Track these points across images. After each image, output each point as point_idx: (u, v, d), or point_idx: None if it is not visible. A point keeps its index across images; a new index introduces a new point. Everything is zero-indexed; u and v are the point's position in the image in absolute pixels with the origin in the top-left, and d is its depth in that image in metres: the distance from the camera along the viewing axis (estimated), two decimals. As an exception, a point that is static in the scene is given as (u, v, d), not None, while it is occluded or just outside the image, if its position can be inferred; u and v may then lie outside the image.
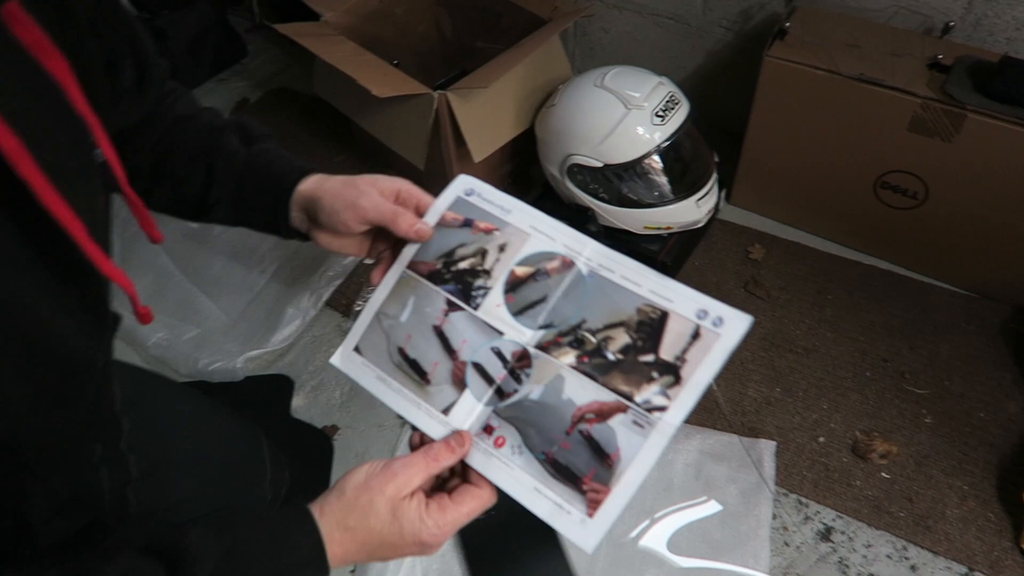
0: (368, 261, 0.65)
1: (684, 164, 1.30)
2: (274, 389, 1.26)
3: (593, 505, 0.50)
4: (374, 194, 0.58)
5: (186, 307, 1.34)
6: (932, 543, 1.07)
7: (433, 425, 0.56)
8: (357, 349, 0.60)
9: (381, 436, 1.23)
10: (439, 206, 0.61)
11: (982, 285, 1.33)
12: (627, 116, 1.23)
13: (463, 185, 0.62)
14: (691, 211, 1.31)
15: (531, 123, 1.40)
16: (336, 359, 0.60)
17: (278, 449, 1.00)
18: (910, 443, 1.17)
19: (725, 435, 1.19)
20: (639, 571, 1.05)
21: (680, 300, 0.53)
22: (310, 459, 1.16)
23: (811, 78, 1.20)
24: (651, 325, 0.53)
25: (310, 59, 1.34)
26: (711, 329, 0.52)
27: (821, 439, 1.19)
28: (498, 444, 0.53)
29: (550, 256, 0.57)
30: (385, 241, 0.62)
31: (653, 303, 0.54)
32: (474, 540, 1.05)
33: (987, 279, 1.32)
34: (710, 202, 1.33)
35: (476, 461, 0.54)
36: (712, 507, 1.10)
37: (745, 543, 1.07)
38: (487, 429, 0.54)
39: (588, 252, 0.57)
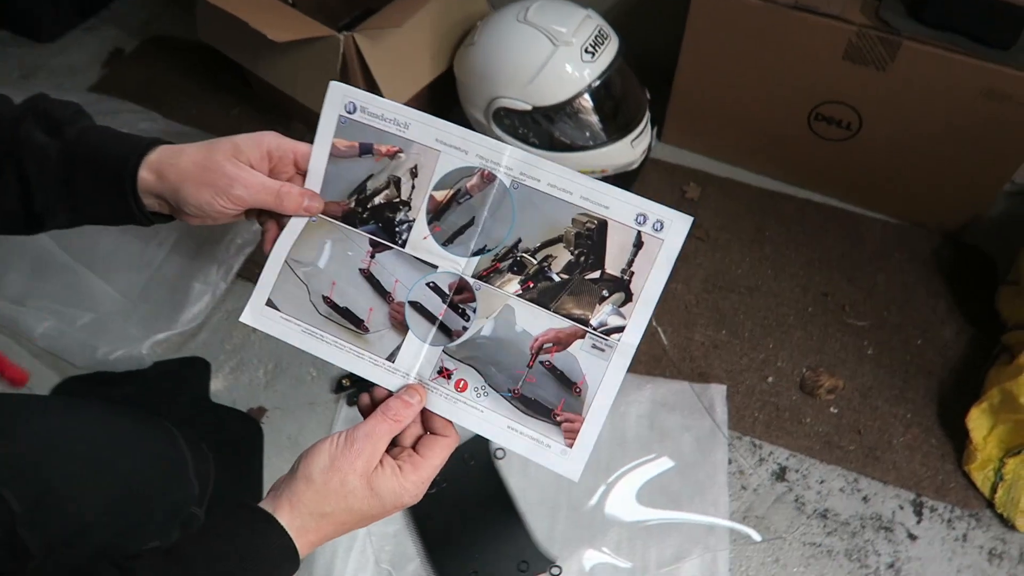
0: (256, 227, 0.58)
1: (616, 103, 1.25)
2: (188, 374, 1.16)
3: (570, 435, 0.51)
4: (246, 176, 0.52)
5: (76, 291, 1.21)
6: (882, 473, 1.09)
7: (380, 373, 0.54)
8: (271, 303, 0.56)
9: (314, 414, 1.16)
10: (320, 144, 0.56)
11: (913, 214, 1.36)
12: (555, 54, 1.16)
13: (340, 98, 0.55)
14: (626, 152, 1.27)
15: (449, 64, 1.32)
16: (247, 317, 0.56)
17: (198, 439, 0.93)
18: (855, 376, 1.18)
19: (675, 382, 1.17)
20: (601, 531, 1.03)
21: (616, 206, 0.51)
22: (238, 446, 1.08)
23: (744, 7, 1.17)
24: (590, 237, 0.52)
25: (190, 0, 1.20)
26: (653, 235, 0.51)
27: (770, 379, 1.19)
28: (460, 388, 0.53)
29: (467, 172, 0.54)
30: (263, 213, 0.58)
31: (589, 211, 0.52)
32: (428, 516, 1.00)
33: (917, 208, 1.34)
34: (644, 142, 1.29)
35: (441, 408, 0.53)
36: (665, 463, 1.09)
37: (704, 491, 1.07)
38: (443, 373, 0.53)
39: (507, 161, 0.53)
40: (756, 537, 1.04)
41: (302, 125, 1.45)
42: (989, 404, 1.06)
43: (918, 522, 1.07)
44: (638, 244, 0.51)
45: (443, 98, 1.37)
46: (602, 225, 0.52)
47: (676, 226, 0.50)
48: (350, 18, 1.41)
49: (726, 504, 1.06)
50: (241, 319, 0.56)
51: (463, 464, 1.05)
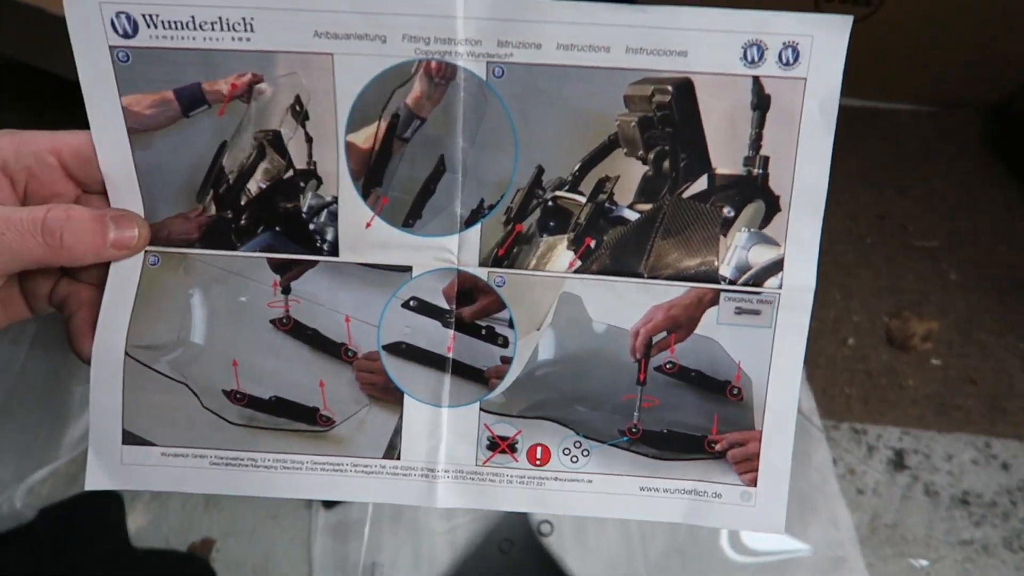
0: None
1: None
2: (93, 518, 0.96)
3: (746, 466, 0.40)
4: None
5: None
6: (1014, 427, 0.96)
7: (384, 487, 0.41)
8: (133, 438, 0.42)
9: (281, 530, 0.96)
10: (101, 119, 0.39)
11: (949, 95, 1.26)
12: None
13: (95, 14, 0.37)
14: None
15: None
16: (95, 477, 0.42)
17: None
18: (946, 312, 1.06)
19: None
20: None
21: (701, 42, 0.36)
22: None
23: None
24: (667, 120, 0.37)
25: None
26: (784, 75, 0.36)
27: (850, 341, 1.05)
28: (539, 460, 0.41)
29: (397, 77, 0.37)
30: (46, 275, 0.42)
31: (651, 71, 0.36)
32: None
33: (954, 87, 1.24)
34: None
35: (522, 502, 0.41)
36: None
37: (815, 508, 0.92)
38: (498, 447, 0.41)
39: (465, 28, 0.36)
40: (919, 564, 0.90)
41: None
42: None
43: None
44: (760, 102, 0.36)
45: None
46: (684, 89, 0.36)
47: (825, 44, 0.35)
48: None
49: (848, 519, 0.90)
50: (88, 485, 0.42)
51: (500, 555, 0.88)
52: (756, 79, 0.36)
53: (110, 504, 0.95)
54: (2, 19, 1.05)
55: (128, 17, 0.36)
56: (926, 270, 1.11)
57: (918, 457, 0.97)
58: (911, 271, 1.11)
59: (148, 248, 0.40)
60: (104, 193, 0.38)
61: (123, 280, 0.39)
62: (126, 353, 0.40)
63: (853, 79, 1.18)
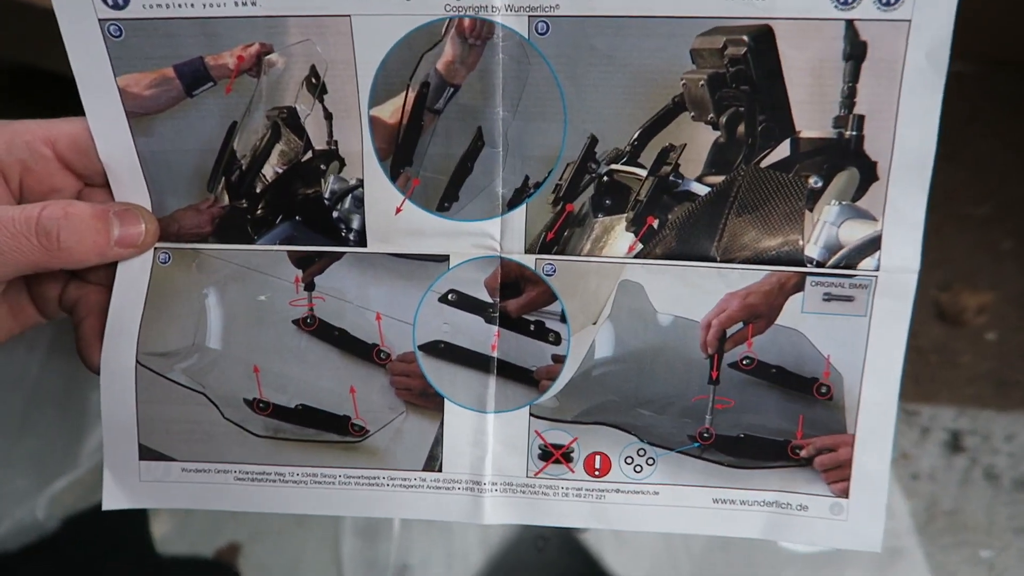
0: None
1: None
2: (117, 526, 0.96)
3: (836, 475, 0.37)
4: None
5: (-69, 445, 1.02)
6: None
7: (424, 503, 0.39)
8: (150, 452, 0.40)
9: (309, 534, 0.96)
10: (96, 104, 0.37)
11: (994, 52, 1.22)
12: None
13: None
14: None
15: None
16: (112, 496, 0.41)
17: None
18: (1000, 283, 1.04)
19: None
20: (746, 570, 0.87)
21: None
22: None
23: None
24: (743, 76, 0.33)
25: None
26: (882, 17, 0.31)
27: None
28: (598, 471, 0.39)
29: (426, 40, 0.34)
30: (53, 279, 0.41)
31: (725, 18, 0.32)
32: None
33: (998, 41, 1.20)
34: None
35: (579, 518, 0.39)
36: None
37: (870, 499, 0.87)
38: (551, 457, 0.39)
39: None
40: (982, 555, 0.88)
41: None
42: None
43: None
44: (855, 51, 0.32)
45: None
46: (762, 39, 0.32)
47: None
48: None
49: (904, 506, 0.88)
50: (105, 506, 0.42)
51: (535, 553, 0.86)
52: (850, 23, 0.32)
53: (134, 511, 0.96)
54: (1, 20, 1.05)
55: None
56: (977, 239, 1.08)
57: (976, 438, 0.94)
58: (961, 241, 1.08)
59: (157, 245, 0.38)
60: (107, 187, 0.37)
61: (131, 281, 0.38)
62: (137, 362, 0.39)
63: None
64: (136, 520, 0.94)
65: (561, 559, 0.86)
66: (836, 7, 0.32)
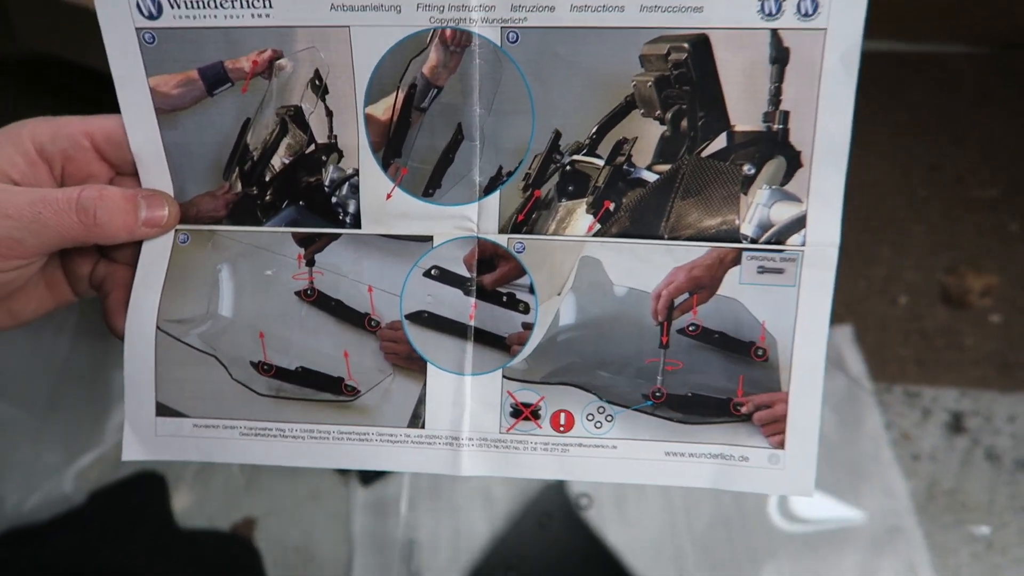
0: None
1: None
2: (139, 499, 1.00)
3: (773, 428, 0.40)
4: (6, 199, 0.38)
5: (-42, 420, 1.07)
6: None
7: (409, 457, 0.43)
8: (166, 409, 0.44)
9: (322, 509, 0.99)
10: (130, 101, 0.41)
11: (1004, 34, 1.21)
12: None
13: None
14: None
15: None
16: (132, 448, 0.45)
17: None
18: (1007, 266, 1.03)
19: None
20: (750, 571, 0.87)
21: None
22: None
23: None
24: (684, 78, 0.37)
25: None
26: (802, 27, 0.36)
27: (902, 300, 1.03)
28: (563, 426, 0.42)
29: (413, 47, 0.39)
30: (85, 257, 0.45)
31: (667, 28, 0.37)
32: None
33: (1009, 24, 1.19)
34: None
35: (548, 470, 0.42)
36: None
37: (867, 476, 0.90)
38: (521, 414, 0.42)
39: None
40: (980, 532, 0.88)
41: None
42: None
43: None
44: (779, 55, 0.37)
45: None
46: (700, 46, 0.37)
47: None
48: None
49: (903, 486, 0.89)
50: (124, 457, 0.45)
51: (538, 530, 0.87)
52: (775, 32, 0.36)
53: (155, 487, 0.99)
54: (36, 15, 1.09)
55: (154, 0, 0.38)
56: (984, 222, 1.08)
57: (978, 419, 0.95)
58: (968, 224, 1.08)
59: (178, 227, 0.41)
60: (135, 175, 0.41)
61: (154, 258, 0.41)
62: (157, 327, 0.42)
63: (899, 22, 1.13)
64: (157, 494, 0.99)
65: (564, 536, 0.88)
66: (762, 18, 0.36)
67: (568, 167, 0.38)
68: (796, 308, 0.39)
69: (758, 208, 0.38)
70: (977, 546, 0.87)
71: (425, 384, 0.42)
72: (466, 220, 0.40)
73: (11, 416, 1.05)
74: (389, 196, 0.40)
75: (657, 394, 0.41)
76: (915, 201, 1.11)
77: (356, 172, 0.40)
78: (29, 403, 1.06)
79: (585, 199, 0.39)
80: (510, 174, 0.39)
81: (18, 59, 1.46)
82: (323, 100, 0.40)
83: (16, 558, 0.92)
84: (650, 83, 0.36)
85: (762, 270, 0.39)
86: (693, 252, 0.39)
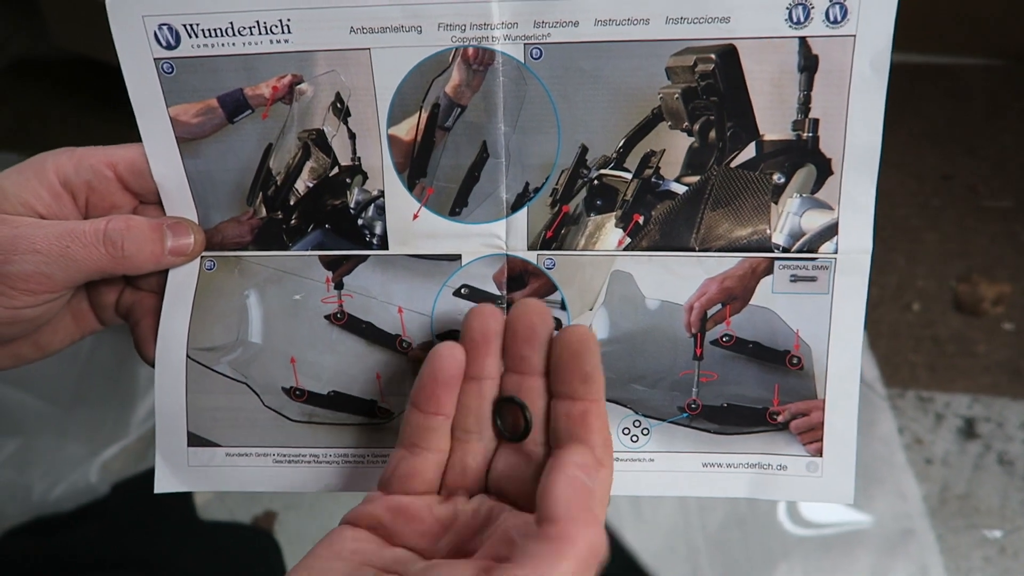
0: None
1: None
2: (161, 493, 0.95)
3: (810, 436, 0.40)
4: (30, 234, 0.37)
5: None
6: None
7: None
8: (198, 439, 0.42)
9: (339, 505, 0.97)
10: (151, 131, 0.40)
11: (1018, 47, 1.21)
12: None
13: (138, 29, 0.38)
14: None
15: None
16: (164, 480, 0.43)
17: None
18: (1019, 274, 1.04)
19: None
20: (764, 570, 0.87)
21: (744, 6, 0.35)
22: (252, 572, 0.94)
23: None
24: (712, 89, 0.36)
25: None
26: (831, 35, 0.35)
27: (915, 307, 1.04)
28: None
29: (435, 67, 0.38)
30: (111, 287, 0.44)
31: (693, 40, 0.36)
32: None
33: (1021, 36, 1.19)
34: None
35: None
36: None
37: (880, 479, 0.90)
38: None
39: (500, 11, 0.36)
40: (992, 536, 0.88)
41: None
42: None
43: None
44: (808, 63, 0.36)
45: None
46: (727, 56, 0.36)
47: (873, 4, 0.35)
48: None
49: (916, 490, 0.89)
50: (157, 489, 0.43)
51: None
52: (803, 40, 0.35)
53: None
54: (69, 16, 1.09)
55: (170, 28, 0.37)
56: (997, 232, 1.09)
57: (990, 425, 0.95)
58: (981, 233, 1.09)
59: (204, 254, 0.40)
60: (159, 203, 0.40)
61: (181, 286, 0.40)
62: (188, 356, 0.41)
63: (915, 34, 1.12)
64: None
65: (579, 535, 0.89)
66: (790, 26, 0.35)
67: (596, 181, 0.37)
68: (830, 315, 0.39)
69: (789, 217, 0.38)
70: (989, 550, 0.86)
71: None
72: (494, 238, 0.39)
73: (37, 409, 1.05)
74: (416, 216, 0.39)
75: (693, 406, 0.40)
76: (928, 210, 1.12)
77: (381, 193, 0.39)
78: (55, 396, 1.06)
79: (614, 213, 0.38)
80: (537, 190, 0.38)
81: (51, 59, 1.45)
82: (345, 123, 0.39)
83: (41, 547, 0.92)
84: (677, 95, 0.36)
85: (795, 279, 0.39)
86: (725, 263, 0.39)
